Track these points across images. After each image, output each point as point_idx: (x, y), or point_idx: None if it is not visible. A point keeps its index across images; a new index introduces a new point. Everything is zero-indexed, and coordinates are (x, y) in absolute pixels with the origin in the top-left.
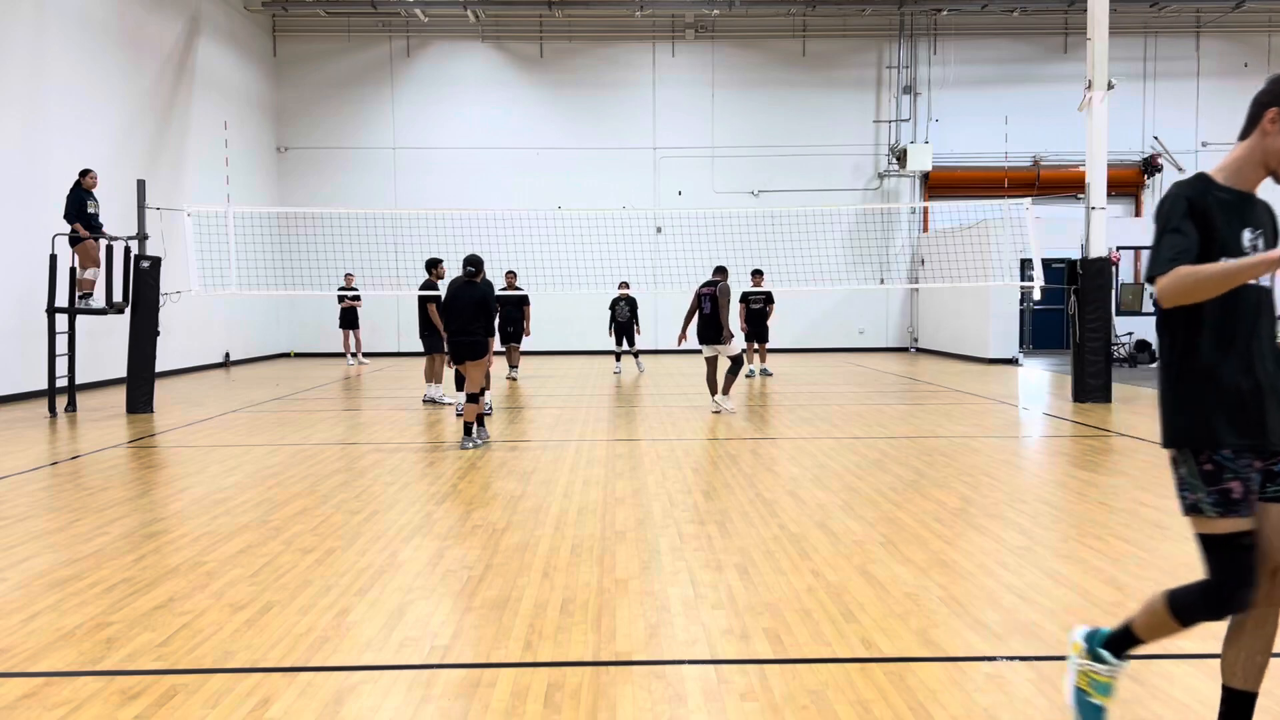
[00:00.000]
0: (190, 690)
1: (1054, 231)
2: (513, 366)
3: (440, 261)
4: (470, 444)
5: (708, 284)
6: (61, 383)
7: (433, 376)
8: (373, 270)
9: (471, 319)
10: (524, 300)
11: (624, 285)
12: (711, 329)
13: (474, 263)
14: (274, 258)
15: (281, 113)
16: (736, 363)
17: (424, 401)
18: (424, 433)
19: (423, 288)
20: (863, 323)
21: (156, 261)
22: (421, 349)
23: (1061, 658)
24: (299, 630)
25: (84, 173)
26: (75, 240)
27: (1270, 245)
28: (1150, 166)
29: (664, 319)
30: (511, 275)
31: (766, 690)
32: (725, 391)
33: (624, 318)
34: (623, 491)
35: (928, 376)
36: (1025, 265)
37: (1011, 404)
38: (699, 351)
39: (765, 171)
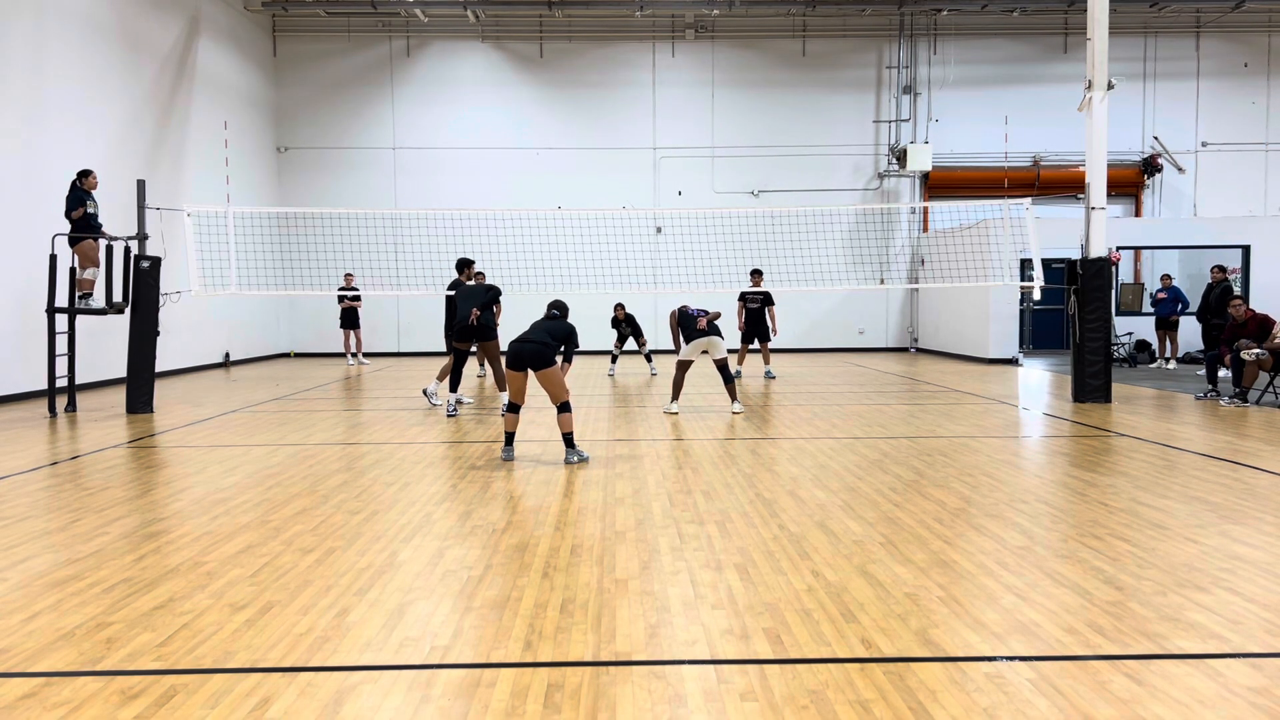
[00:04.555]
0: (190, 690)
1: (1054, 232)
2: (482, 364)
3: (472, 263)
4: (575, 457)
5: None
6: (61, 383)
7: (445, 375)
8: (373, 270)
9: (544, 334)
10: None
11: (619, 307)
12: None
13: (559, 306)
14: (274, 258)
15: (281, 113)
16: (723, 368)
17: (424, 392)
18: (424, 433)
19: (451, 286)
20: (863, 323)
21: (156, 261)
22: (445, 348)
23: (1061, 658)
24: (299, 630)
25: (84, 174)
26: (75, 240)
27: None
28: (1150, 166)
29: (664, 318)
30: (480, 276)
31: (766, 690)
32: (733, 398)
33: (626, 334)
34: (623, 491)
35: (928, 376)
36: (1025, 265)
37: (1011, 404)
38: (706, 353)
39: (765, 171)
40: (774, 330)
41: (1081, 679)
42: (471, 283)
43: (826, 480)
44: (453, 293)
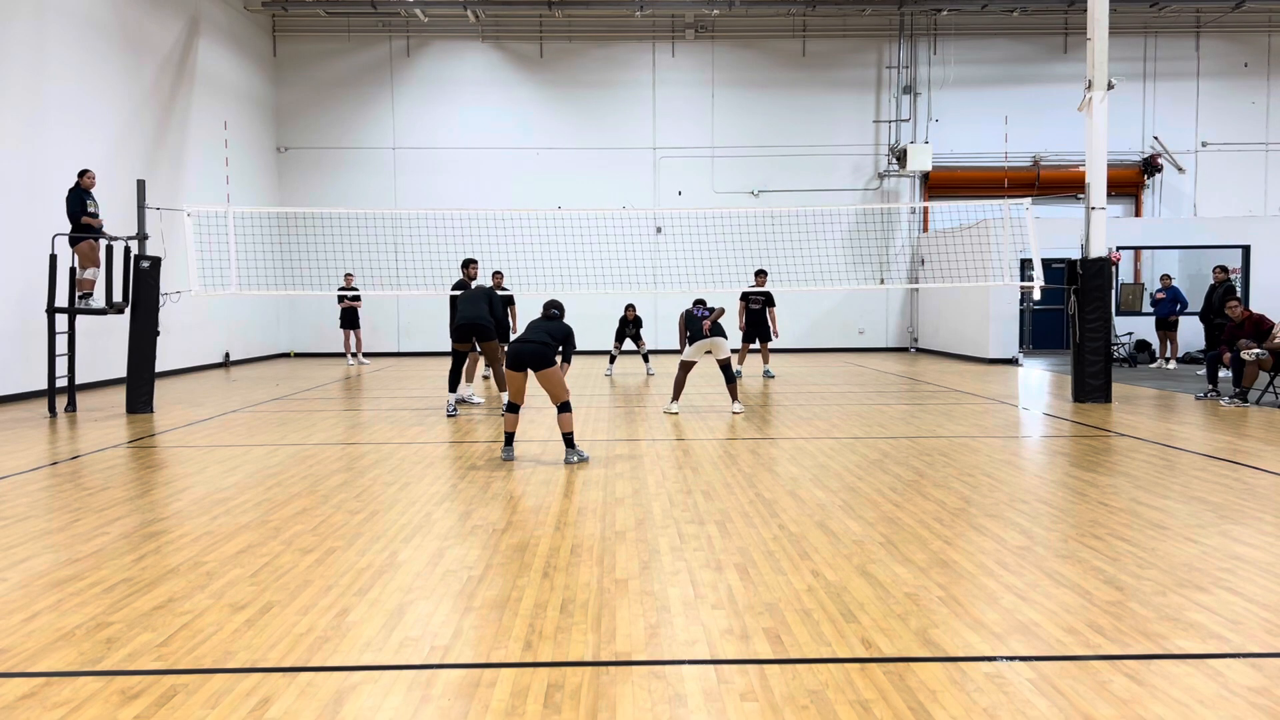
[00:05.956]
0: (190, 690)
1: (1054, 232)
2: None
3: (475, 261)
4: (575, 457)
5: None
6: (61, 383)
7: (470, 376)
8: (373, 270)
9: (543, 334)
10: (510, 300)
11: (630, 308)
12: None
13: (557, 306)
14: (274, 258)
15: (281, 113)
16: (726, 368)
17: (461, 403)
18: (424, 433)
19: (455, 287)
20: (863, 323)
21: (156, 261)
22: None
23: (1061, 658)
24: (299, 630)
25: (82, 173)
26: (75, 240)
27: None
28: (1150, 166)
29: (664, 318)
30: (499, 275)
31: (766, 690)
32: (734, 398)
33: (627, 335)
34: (623, 491)
35: (928, 376)
36: (1025, 265)
37: (1011, 404)
38: (709, 353)
39: (765, 171)
40: (775, 332)
41: (1081, 679)
42: (476, 282)
43: (826, 480)
44: (457, 293)
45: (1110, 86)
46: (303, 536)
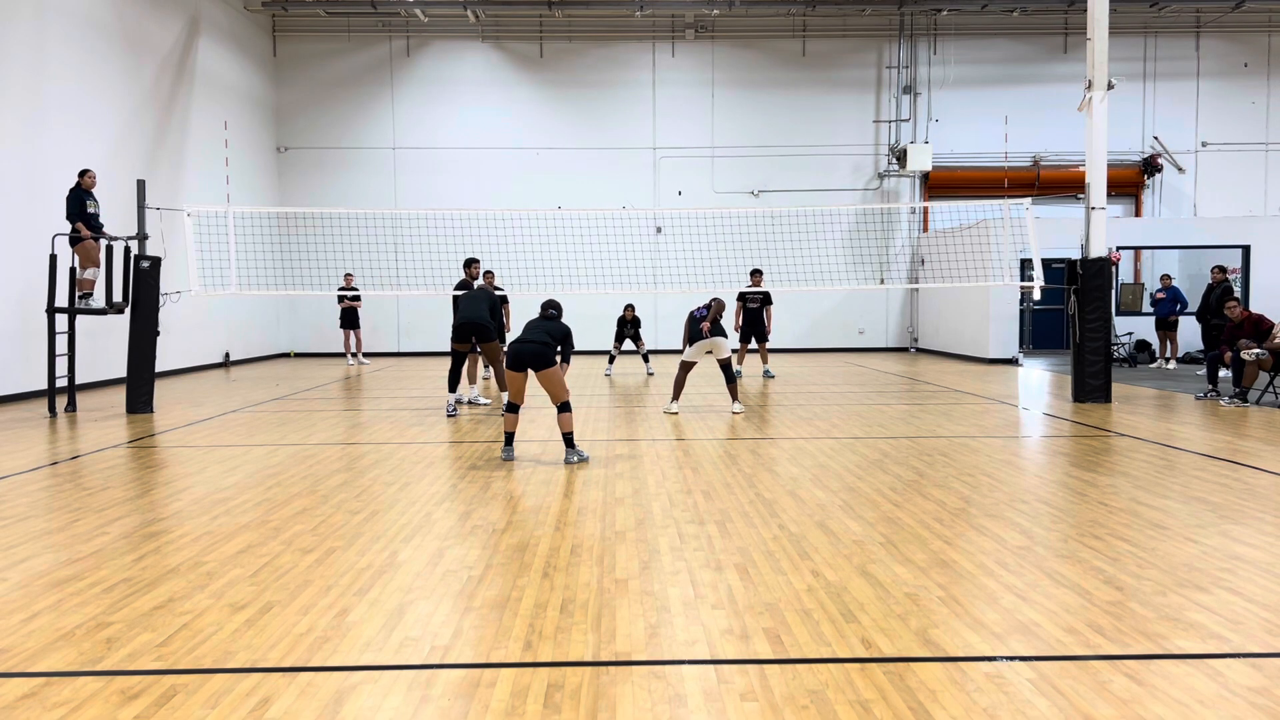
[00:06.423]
0: (190, 690)
1: (1054, 231)
2: (488, 365)
3: (476, 261)
4: (575, 457)
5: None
6: (61, 383)
7: (473, 378)
8: (372, 270)
9: (543, 334)
10: (503, 300)
11: (629, 308)
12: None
13: (555, 306)
14: (274, 258)
15: (281, 113)
16: (726, 368)
17: (460, 403)
18: (424, 433)
19: (458, 287)
20: (863, 323)
21: (156, 261)
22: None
23: (1061, 658)
24: (299, 630)
25: (82, 172)
26: (75, 240)
27: None
28: (1150, 166)
29: (664, 318)
30: (490, 275)
31: (766, 690)
32: (734, 398)
33: (627, 335)
34: (623, 491)
35: (928, 376)
36: (1025, 265)
37: (1011, 404)
38: (710, 353)
39: (765, 171)
40: (768, 329)
41: (1081, 679)
42: (478, 282)
43: (826, 480)
44: (460, 293)
45: (1110, 86)
46: (303, 536)
